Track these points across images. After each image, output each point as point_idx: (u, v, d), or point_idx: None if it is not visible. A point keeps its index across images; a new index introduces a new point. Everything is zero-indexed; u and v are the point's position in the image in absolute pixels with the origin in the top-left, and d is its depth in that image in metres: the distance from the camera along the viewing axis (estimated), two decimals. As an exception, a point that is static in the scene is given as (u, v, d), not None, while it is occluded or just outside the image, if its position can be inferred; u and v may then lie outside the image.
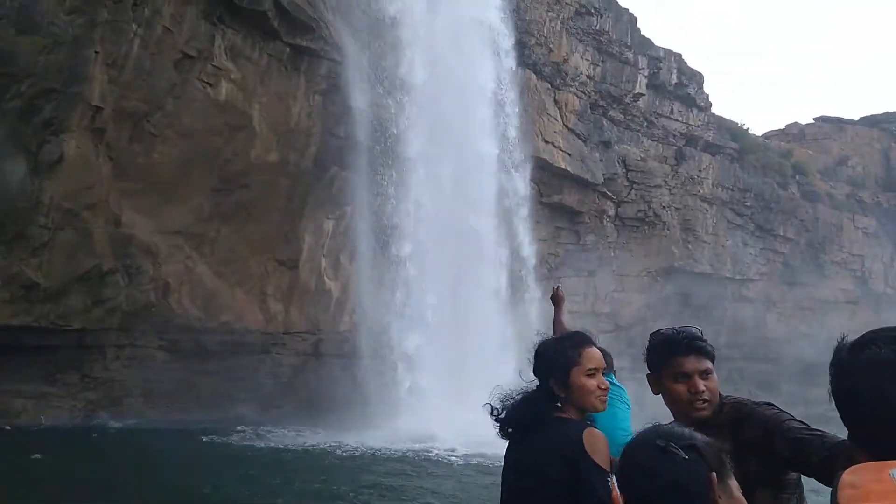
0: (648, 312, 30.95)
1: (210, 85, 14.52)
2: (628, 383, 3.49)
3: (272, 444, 12.69)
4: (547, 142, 25.74)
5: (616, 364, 3.24)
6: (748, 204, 35.95)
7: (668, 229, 31.71)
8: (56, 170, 11.03)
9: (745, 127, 39.33)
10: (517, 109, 22.90)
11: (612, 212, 30.38)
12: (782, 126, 45.18)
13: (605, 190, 29.36)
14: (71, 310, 12.08)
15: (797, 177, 38.59)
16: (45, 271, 11.24)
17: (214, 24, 14.29)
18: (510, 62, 22.95)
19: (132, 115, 13.13)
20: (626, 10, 31.47)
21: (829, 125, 44.26)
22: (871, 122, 44.02)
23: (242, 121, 15.46)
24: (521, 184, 22.13)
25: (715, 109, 37.76)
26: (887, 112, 45.68)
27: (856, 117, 44.93)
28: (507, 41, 22.50)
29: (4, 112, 10.20)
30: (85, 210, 11.82)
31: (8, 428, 11.29)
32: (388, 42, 17.33)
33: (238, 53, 15.10)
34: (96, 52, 11.42)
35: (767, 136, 43.13)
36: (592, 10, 28.35)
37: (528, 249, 23.63)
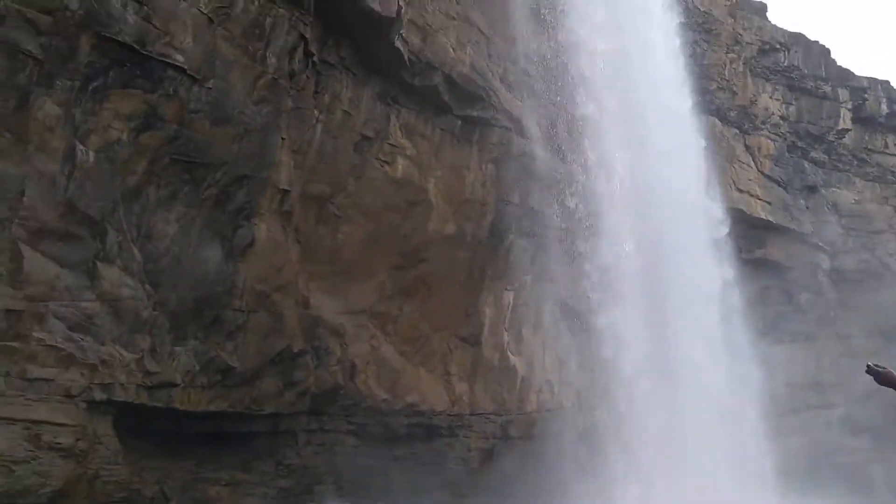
0: (888, 380, 26.10)
1: (387, 163, 14.54)
2: None
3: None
4: (742, 191, 23.26)
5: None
6: None
7: (899, 280, 27.02)
8: (249, 253, 11.21)
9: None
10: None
11: (826, 265, 26.53)
12: None
13: (816, 241, 25.80)
14: (264, 394, 12.05)
15: None
16: (239, 354, 11.30)
17: (389, 105, 14.42)
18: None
19: (317, 198, 13.35)
20: (816, 41, 28.44)
21: None
22: None
23: (419, 195, 15.29)
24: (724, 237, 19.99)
25: (940, 139, 32.36)
26: None
27: None
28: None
29: (202, 201, 10.58)
30: (276, 292, 11.90)
31: (208, 516, 11.25)
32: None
33: (412, 130, 15.10)
34: (283, 139, 11.73)
35: None
36: (778, 46, 25.91)
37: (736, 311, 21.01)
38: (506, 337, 17.94)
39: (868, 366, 3.70)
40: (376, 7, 12.50)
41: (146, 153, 9.93)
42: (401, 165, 14.81)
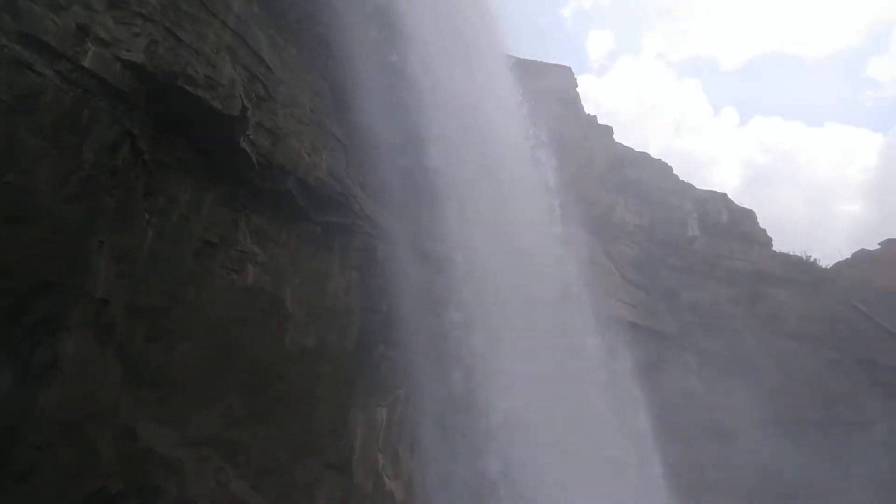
0: (769, 479, 26.39)
1: (235, 271, 13.29)
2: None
3: None
4: (608, 295, 23.74)
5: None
6: (840, 336, 32.37)
7: (762, 374, 28.16)
8: (50, 375, 9.37)
9: (811, 258, 36.71)
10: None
11: (694, 364, 27.28)
12: (848, 255, 42.18)
13: (681, 341, 26.59)
14: (69, 552, 9.71)
15: (886, 303, 35.12)
16: (33, 502, 9.11)
17: (237, 210, 13.41)
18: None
19: (148, 311, 11.75)
20: (659, 159, 31.00)
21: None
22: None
23: (274, 306, 14.02)
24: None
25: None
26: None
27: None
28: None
29: (-11, 313, 8.82)
30: (87, 422, 9.94)
31: None
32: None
33: (264, 236, 14.07)
34: (101, 242, 10.30)
35: (837, 266, 40.09)
36: (626, 163, 27.84)
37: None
38: (380, 459, 16.36)
39: None
40: (217, 105, 11.79)
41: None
42: (251, 273, 13.59)
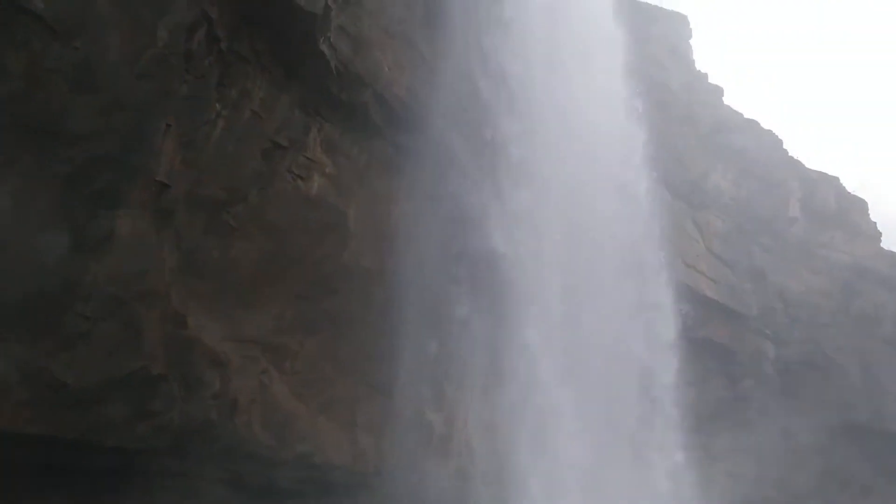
0: (829, 481, 24.80)
1: (301, 178, 13.09)
2: None
3: None
4: (688, 265, 22.34)
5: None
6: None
7: (845, 376, 26.16)
8: (104, 249, 9.45)
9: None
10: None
11: (772, 354, 25.57)
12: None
13: (761, 326, 24.91)
14: (107, 421, 9.99)
15: None
16: (76, 369, 9.33)
17: (309, 115, 13.09)
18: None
19: (210, 203, 11.72)
20: (770, 130, 28.55)
21: None
22: None
23: (336, 219, 13.80)
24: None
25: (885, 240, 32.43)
26: None
27: None
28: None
29: (49, 177, 8.90)
30: (136, 300, 10.04)
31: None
32: None
33: (334, 148, 13.76)
34: (168, 125, 10.19)
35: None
36: (732, 127, 25.79)
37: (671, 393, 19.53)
38: (425, 389, 16.14)
39: None
40: (300, 1, 11.34)
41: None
42: (317, 183, 13.36)
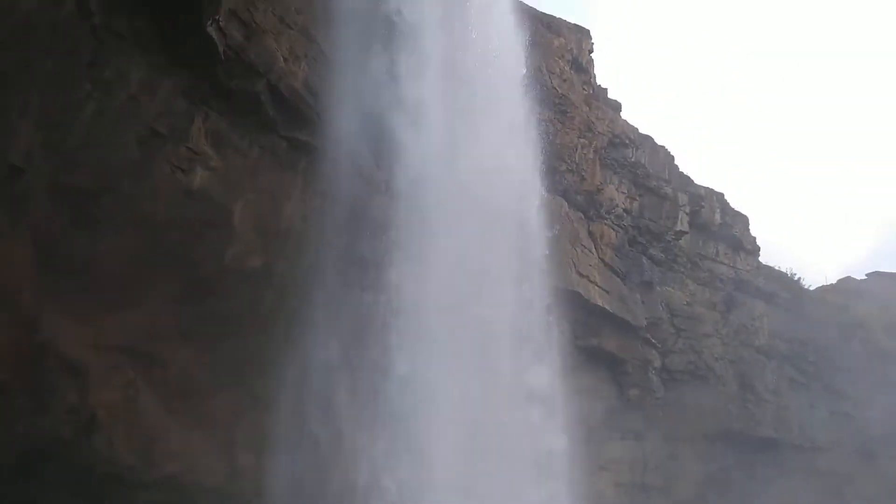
0: (710, 486, 25.96)
1: (182, 170, 12.03)
2: None
3: None
4: (581, 275, 22.72)
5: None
6: (811, 359, 31.73)
7: (723, 384, 27.53)
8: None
9: (795, 277, 35.94)
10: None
11: (658, 363, 26.49)
12: (834, 281, 41.68)
13: (648, 336, 25.74)
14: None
15: (860, 333, 34.70)
16: None
17: (195, 104, 12.07)
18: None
19: (75, 193, 10.52)
20: (663, 146, 29.70)
21: (887, 279, 41.13)
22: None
23: (220, 216, 12.81)
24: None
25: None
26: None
27: (910, 270, 41.62)
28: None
29: None
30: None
31: None
32: None
33: (222, 140, 12.77)
34: (26, 102, 8.99)
35: (820, 290, 39.42)
36: (627, 142, 26.56)
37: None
38: (312, 401, 15.34)
39: None
40: (184, -25, 10.39)
41: None
42: (200, 176, 12.33)
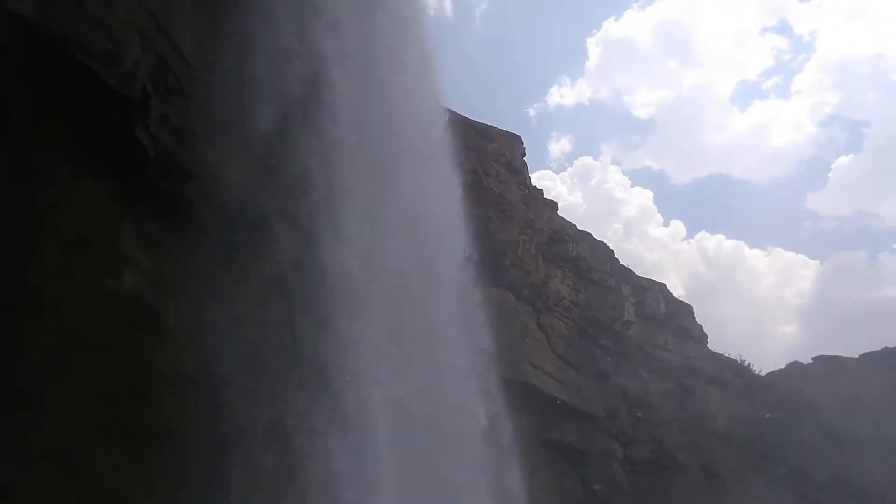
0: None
1: (110, 274, 11.90)
2: None
3: None
4: (535, 366, 22.69)
5: None
6: (770, 443, 31.67)
7: (686, 473, 27.05)
8: None
9: (745, 363, 36.69)
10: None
11: (620, 454, 26.05)
12: (783, 366, 42.80)
13: (608, 426, 25.47)
14: None
15: (814, 415, 35.10)
16: None
17: (123, 206, 12.16)
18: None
19: (-7, 299, 10.24)
20: (601, 241, 30.85)
21: (830, 363, 42.46)
22: (872, 357, 42.40)
23: (151, 319, 12.55)
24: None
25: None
26: (886, 347, 44.28)
27: (855, 354, 43.13)
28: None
29: None
30: None
31: None
32: None
33: (154, 243, 12.76)
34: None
35: (770, 375, 40.33)
36: (567, 237, 27.52)
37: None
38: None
39: None
40: (111, 82, 10.79)
41: None
42: (129, 280, 12.19)
